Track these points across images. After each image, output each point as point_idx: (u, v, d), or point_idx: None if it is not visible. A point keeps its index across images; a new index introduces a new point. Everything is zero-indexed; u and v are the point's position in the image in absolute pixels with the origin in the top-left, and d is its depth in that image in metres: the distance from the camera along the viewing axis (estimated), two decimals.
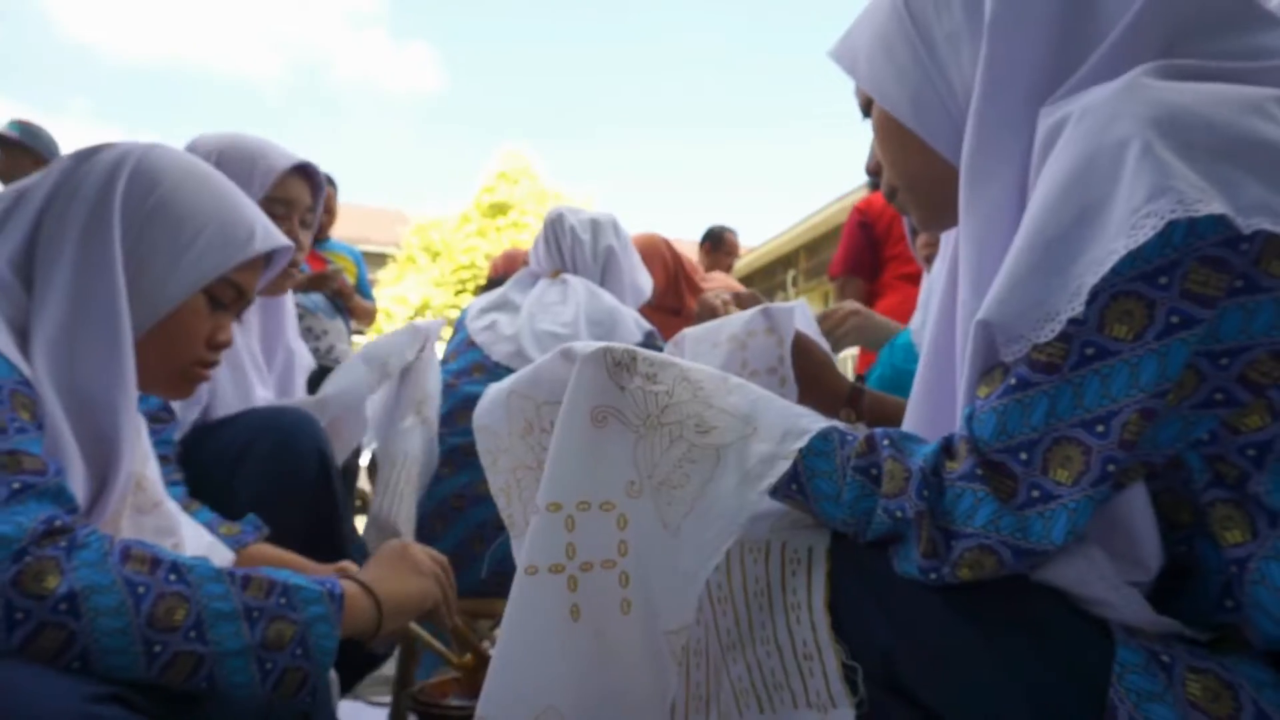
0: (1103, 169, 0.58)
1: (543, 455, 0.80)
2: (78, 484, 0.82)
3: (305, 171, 1.44)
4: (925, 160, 0.78)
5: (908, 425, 0.84)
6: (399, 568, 0.94)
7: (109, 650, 0.69)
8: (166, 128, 60.46)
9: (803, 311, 1.15)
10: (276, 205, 1.38)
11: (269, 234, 0.98)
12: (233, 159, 1.34)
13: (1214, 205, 0.54)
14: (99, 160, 0.90)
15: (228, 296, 0.96)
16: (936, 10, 0.74)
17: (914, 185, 0.81)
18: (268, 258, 1.03)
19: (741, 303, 1.45)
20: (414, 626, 1.04)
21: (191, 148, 1.38)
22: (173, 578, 0.72)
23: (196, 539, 1.03)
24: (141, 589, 0.70)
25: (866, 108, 0.83)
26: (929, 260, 1.70)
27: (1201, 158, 0.56)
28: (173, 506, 1.00)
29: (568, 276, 1.94)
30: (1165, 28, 0.66)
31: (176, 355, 0.93)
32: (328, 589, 0.80)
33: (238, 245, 0.94)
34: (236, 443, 1.23)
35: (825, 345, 1.19)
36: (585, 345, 0.80)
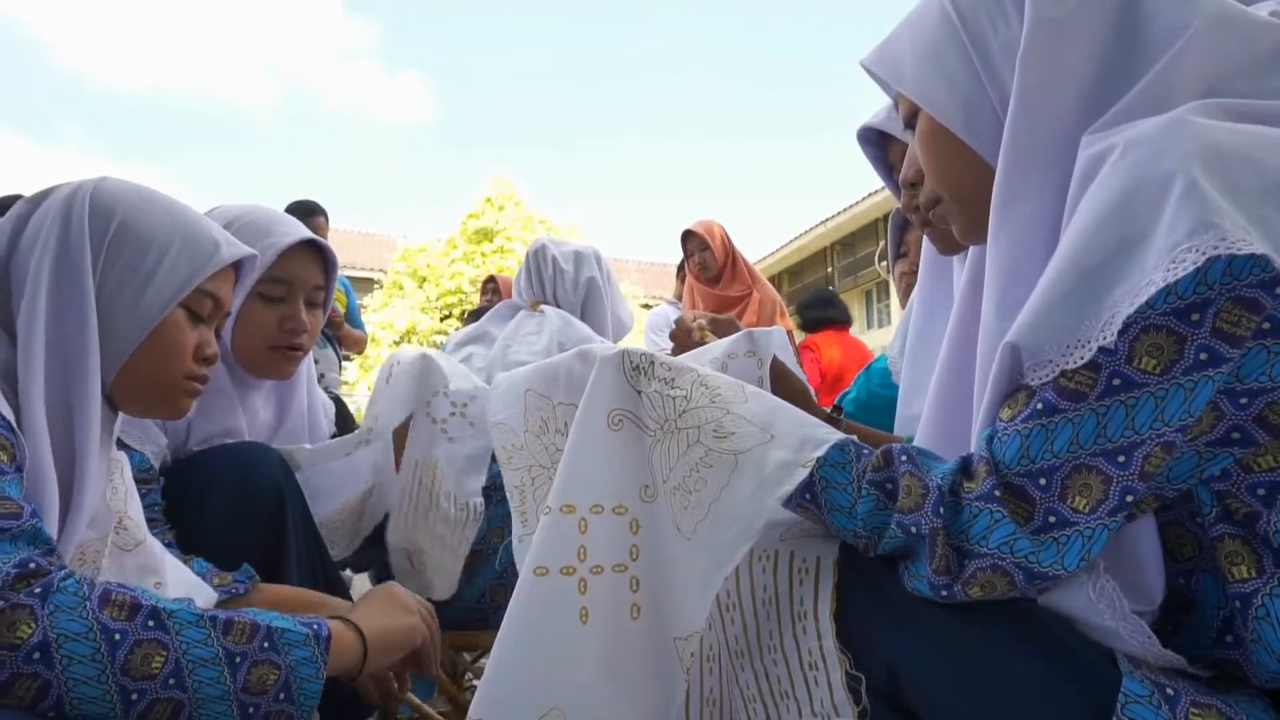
0: (1146, 201, 0.59)
1: (557, 456, 0.80)
2: (53, 520, 0.82)
3: (317, 248, 1.37)
4: (974, 169, 0.77)
5: (920, 440, 0.85)
6: (386, 606, 0.97)
7: (83, 699, 0.68)
8: (159, 155, 60.56)
9: (780, 338, 1.16)
10: (275, 286, 1.31)
11: (232, 244, 1.00)
12: (237, 234, 1.27)
13: (1256, 245, 0.55)
14: (52, 201, 0.92)
15: (205, 308, 0.97)
16: (991, 21, 0.75)
17: (960, 195, 0.80)
18: (237, 268, 1.04)
19: (718, 328, 1.45)
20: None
21: (209, 215, 1.35)
22: (151, 624, 0.72)
23: (179, 578, 1.02)
24: (118, 636, 0.69)
25: (910, 118, 0.83)
26: (908, 290, 1.73)
27: (1246, 198, 0.57)
28: (155, 545, 0.99)
29: (545, 308, 1.95)
30: (1208, 64, 0.68)
31: (166, 370, 0.94)
32: (313, 631, 0.80)
33: (205, 257, 0.95)
34: (200, 479, 1.22)
35: (801, 374, 1.20)
36: (605, 347, 0.80)
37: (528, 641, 0.72)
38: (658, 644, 0.74)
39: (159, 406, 0.97)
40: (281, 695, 0.76)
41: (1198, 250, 0.56)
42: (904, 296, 1.79)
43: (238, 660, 0.74)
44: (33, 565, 0.69)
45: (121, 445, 1.17)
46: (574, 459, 0.76)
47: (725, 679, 0.79)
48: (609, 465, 0.76)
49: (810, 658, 0.72)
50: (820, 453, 0.72)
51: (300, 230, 1.33)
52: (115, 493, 0.97)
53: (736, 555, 0.71)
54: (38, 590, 0.68)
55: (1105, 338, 0.59)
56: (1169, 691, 0.61)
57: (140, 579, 0.96)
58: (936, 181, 0.82)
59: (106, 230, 0.91)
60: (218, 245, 0.97)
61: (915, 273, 1.74)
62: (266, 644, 0.76)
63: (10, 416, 0.79)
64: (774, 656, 0.75)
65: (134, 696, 0.69)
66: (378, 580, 1.64)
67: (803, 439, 0.73)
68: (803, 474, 0.71)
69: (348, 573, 1.59)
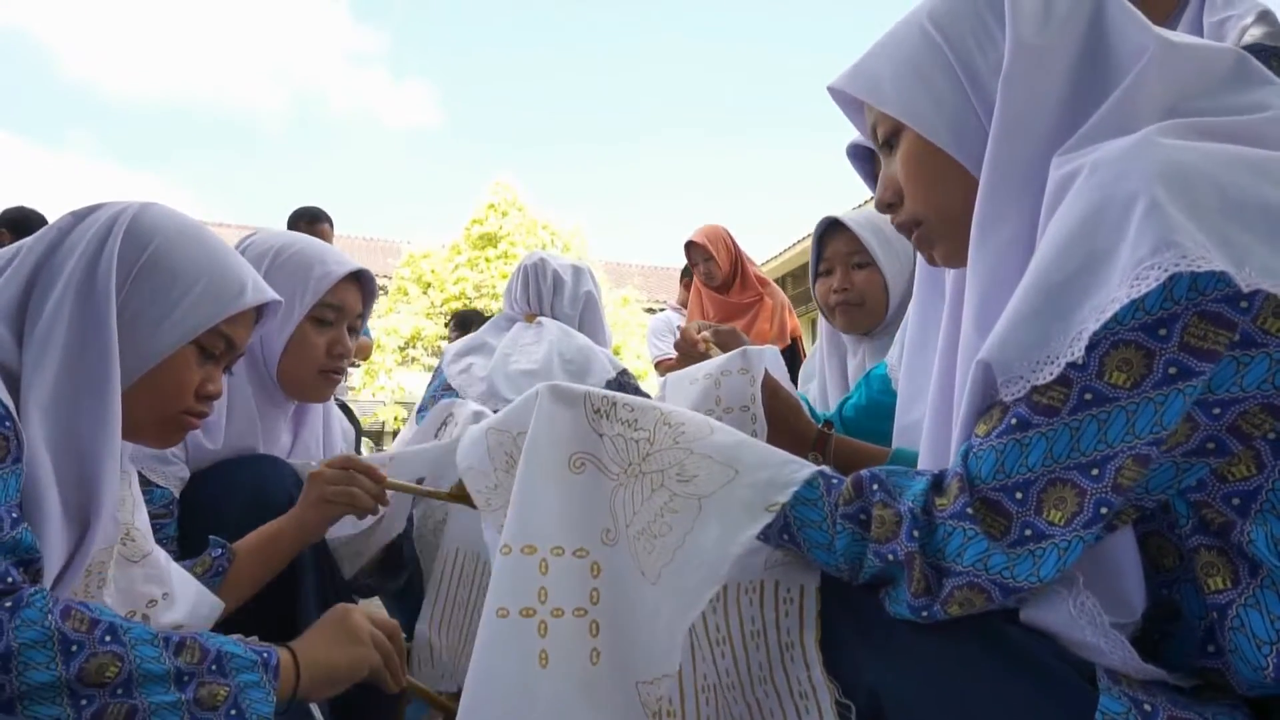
0: (1110, 221, 0.60)
1: None
2: (55, 531, 0.83)
3: (359, 278, 1.42)
4: (961, 188, 0.77)
5: (923, 462, 0.85)
6: (333, 637, 0.94)
7: (34, 700, 0.72)
8: (168, 161, 60.86)
9: (773, 356, 1.18)
10: (328, 310, 1.36)
11: (260, 288, 1.00)
12: (290, 260, 1.34)
13: (1216, 262, 0.56)
14: (95, 218, 0.92)
15: (218, 348, 0.97)
16: (978, 43, 0.75)
17: (948, 215, 0.80)
18: (259, 312, 1.04)
19: (721, 338, 1.46)
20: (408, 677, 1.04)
21: (251, 244, 1.38)
22: (108, 639, 0.75)
23: (185, 588, 1.03)
24: (75, 647, 0.73)
25: (890, 137, 0.83)
26: (841, 304, 1.65)
27: (1208, 216, 0.58)
28: (161, 556, 1.00)
29: (543, 319, 1.98)
30: (1166, 85, 0.69)
31: (165, 404, 0.94)
32: (263, 658, 0.83)
33: (229, 298, 0.95)
34: (215, 489, 1.24)
35: (793, 390, 1.21)
36: (566, 386, 0.80)
37: (489, 684, 0.72)
38: (619, 689, 0.74)
39: (150, 437, 0.97)
40: (232, 712, 0.78)
41: (1159, 267, 0.56)
42: (842, 317, 1.67)
43: (186, 679, 0.77)
44: (10, 580, 0.73)
45: (144, 480, 1.18)
46: (532, 498, 0.75)
47: (721, 710, 0.79)
48: (570, 508, 0.76)
49: (800, 686, 0.73)
50: (785, 497, 0.72)
51: (351, 261, 1.39)
52: (122, 505, 0.97)
53: (703, 600, 0.72)
54: (8, 605, 0.72)
55: (1073, 354, 0.60)
56: (1146, 708, 0.61)
57: (147, 588, 0.97)
58: (920, 203, 0.82)
59: (138, 259, 0.91)
60: (244, 288, 0.97)
61: (843, 293, 1.63)
62: (214, 667, 0.79)
63: (10, 405, 0.80)
64: (765, 688, 0.75)
65: (83, 702, 0.73)
66: (392, 608, 1.64)
67: (768, 480, 0.73)
68: (766, 519, 0.72)
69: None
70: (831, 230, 1.68)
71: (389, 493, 1.29)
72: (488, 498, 0.84)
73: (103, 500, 0.86)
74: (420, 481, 1.35)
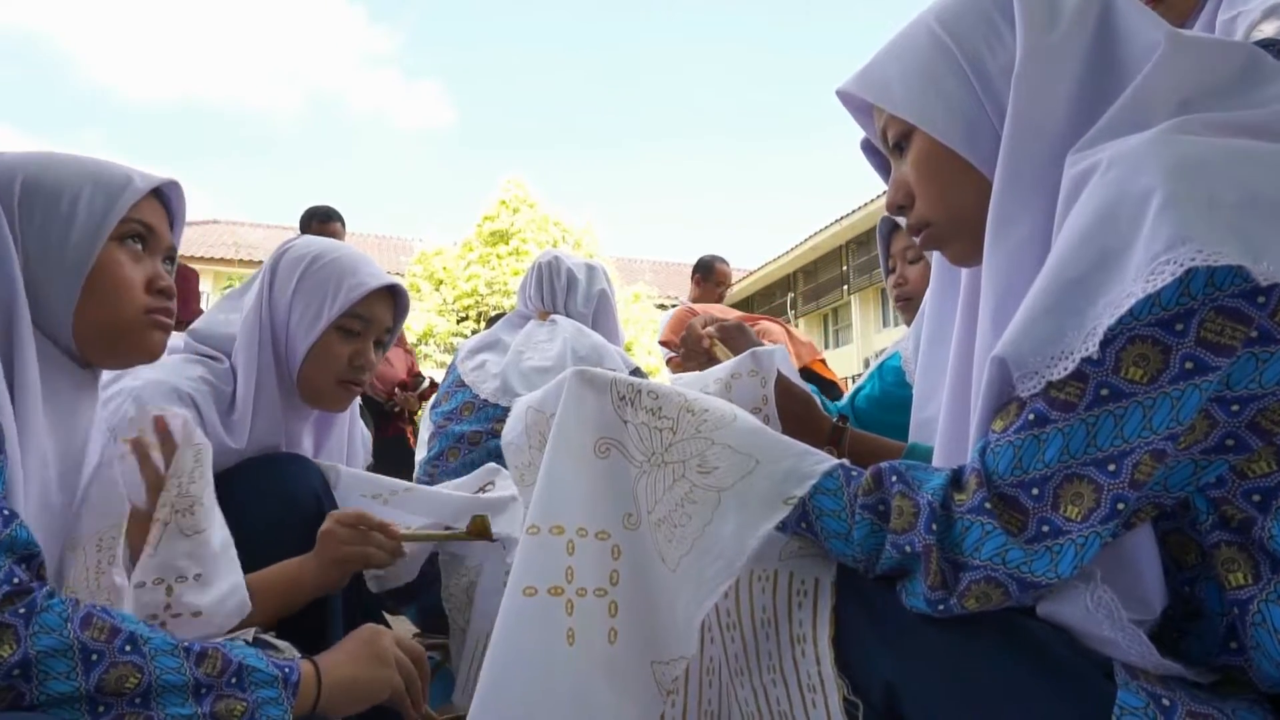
0: (1126, 216, 0.60)
1: None
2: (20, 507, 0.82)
3: (393, 293, 1.42)
4: (973, 189, 0.78)
5: (938, 459, 0.85)
6: (360, 655, 0.95)
7: (52, 708, 0.71)
8: (185, 161, 61.33)
9: (783, 354, 1.18)
10: (355, 321, 1.35)
11: (147, 176, 0.98)
12: (325, 267, 1.34)
13: (1232, 257, 0.56)
14: None
15: (138, 236, 0.96)
16: (988, 44, 0.76)
17: (960, 216, 0.80)
18: (168, 208, 1.02)
19: (727, 335, 1.45)
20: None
21: (290, 247, 1.39)
22: (128, 648, 0.75)
23: (225, 577, 1.02)
24: (95, 656, 0.73)
25: (901, 140, 0.83)
26: (899, 300, 1.73)
27: (1224, 211, 0.58)
28: (216, 540, 1.00)
29: (556, 317, 1.99)
30: (1178, 80, 0.69)
31: (120, 309, 0.93)
32: (284, 674, 0.83)
33: (119, 189, 0.94)
34: (242, 487, 1.24)
35: (804, 385, 1.21)
36: (594, 371, 0.81)
37: (516, 663, 0.73)
38: (636, 668, 0.75)
39: (128, 349, 0.96)
40: None
41: (1175, 262, 0.56)
42: (903, 312, 1.74)
43: (204, 692, 0.77)
44: (16, 580, 0.72)
45: None
46: (558, 480, 0.77)
47: (724, 693, 0.80)
48: (593, 491, 0.77)
49: (809, 680, 0.73)
50: (803, 491, 0.73)
51: (385, 275, 1.39)
52: (195, 480, 0.98)
53: (718, 590, 0.73)
54: (22, 610, 0.71)
55: (1088, 349, 0.60)
56: (1164, 702, 0.61)
57: (183, 565, 0.97)
58: (932, 204, 0.82)
59: (11, 195, 0.90)
60: (130, 178, 0.96)
61: (899, 288, 1.70)
62: (234, 680, 0.79)
63: None
64: (773, 676, 0.76)
65: (101, 709, 0.73)
66: (420, 623, 1.65)
67: (787, 472, 0.74)
68: (784, 512, 0.72)
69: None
70: (897, 227, 1.72)
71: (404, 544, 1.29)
72: (522, 473, 0.86)
73: (29, 445, 0.84)
74: (447, 528, 1.34)
